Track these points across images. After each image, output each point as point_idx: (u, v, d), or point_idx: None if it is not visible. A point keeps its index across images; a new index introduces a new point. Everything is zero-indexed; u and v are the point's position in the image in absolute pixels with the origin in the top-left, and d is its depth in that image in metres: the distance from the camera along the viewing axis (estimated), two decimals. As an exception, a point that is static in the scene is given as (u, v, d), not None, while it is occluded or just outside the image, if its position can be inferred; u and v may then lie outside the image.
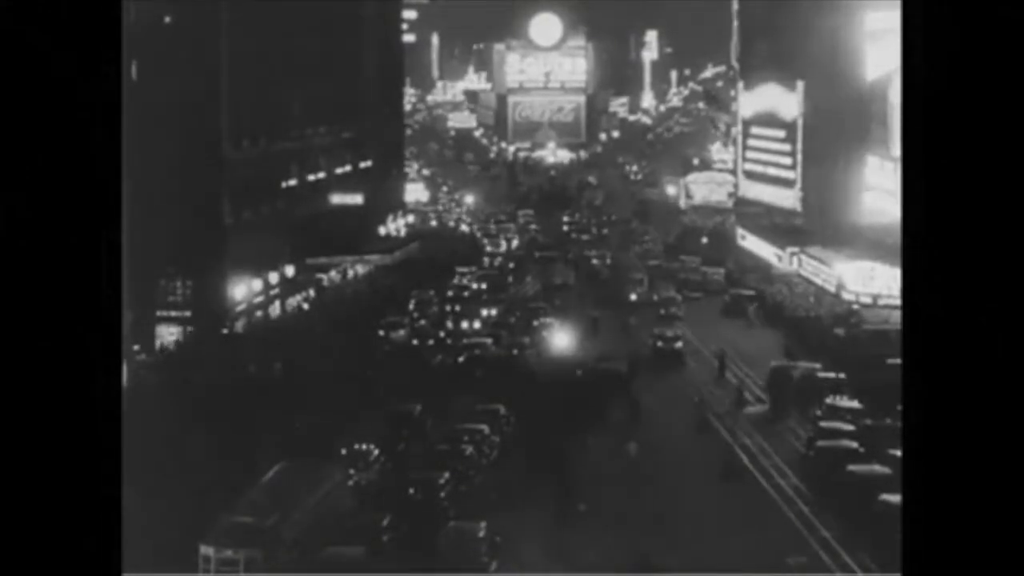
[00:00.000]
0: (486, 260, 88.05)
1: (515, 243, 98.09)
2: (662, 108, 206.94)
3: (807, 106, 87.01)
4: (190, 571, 30.31)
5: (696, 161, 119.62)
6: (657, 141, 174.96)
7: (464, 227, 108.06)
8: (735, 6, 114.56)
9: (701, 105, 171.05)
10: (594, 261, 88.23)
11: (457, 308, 68.28)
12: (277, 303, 68.06)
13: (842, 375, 50.51)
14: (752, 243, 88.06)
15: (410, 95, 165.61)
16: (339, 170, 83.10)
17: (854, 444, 40.59)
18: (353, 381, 47.85)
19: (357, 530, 32.71)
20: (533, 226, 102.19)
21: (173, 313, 61.21)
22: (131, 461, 16.58)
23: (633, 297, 74.29)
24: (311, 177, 78.46)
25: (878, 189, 70.22)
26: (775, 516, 37.00)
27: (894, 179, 64.45)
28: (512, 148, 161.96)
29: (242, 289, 64.04)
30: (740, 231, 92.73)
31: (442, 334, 62.02)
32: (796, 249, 77.74)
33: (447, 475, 37.38)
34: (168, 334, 60.20)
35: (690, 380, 55.00)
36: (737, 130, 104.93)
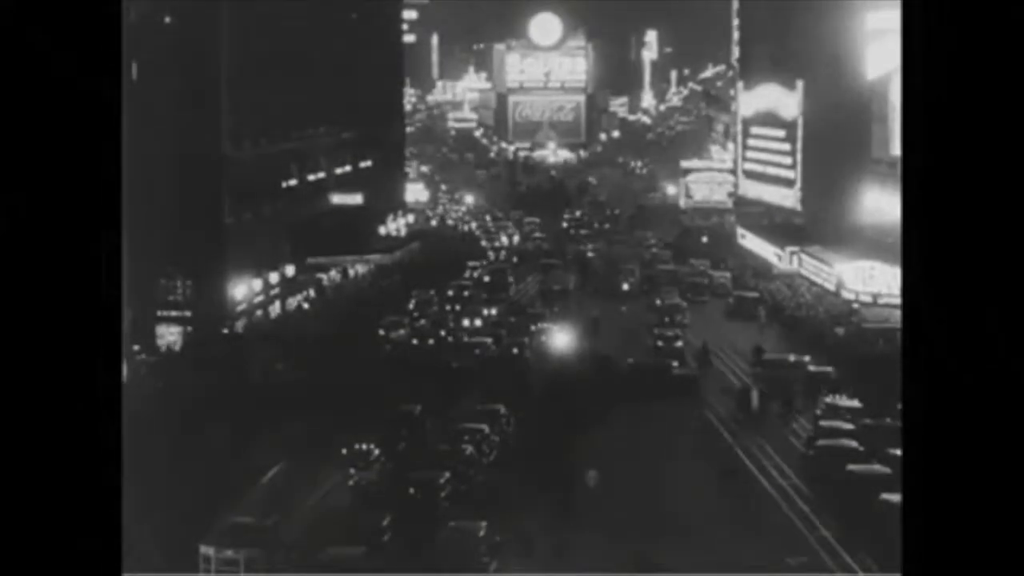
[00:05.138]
0: (491, 255, 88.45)
1: (515, 238, 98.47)
2: (662, 108, 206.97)
3: (807, 106, 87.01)
4: (190, 571, 30.33)
5: (696, 161, 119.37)
6: (658, 140, 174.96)
7: (464, 226, 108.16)
8: (735, 6, 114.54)
9: (702, 105, 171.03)
10: (589, 254, 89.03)
11: (457, 308, 68.31)
12: (277, 303, 68.07)
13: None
14: (752, 243, 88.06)
15: (410, 95, 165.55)
16: (339, 170, 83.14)
17: (854, 443, 40.61)
18: (353, 381, 47.86)
19: (357, 530, 32.72)
20: (537, 234, 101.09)
21: (173, 313, 61.23)
22: (131, 461, 16.59)
23: (625, 287, 76.58)
24: (311, 177, 78.50)
25: (878, 189, 70.24)
26: (775, 516, 37.00)
27: (894, 179, 64.45)
28: (512, 148, 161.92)
29: (242, 289, 64.06)
30: (740, 230, 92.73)
31: (443, 333, 62.01)
32: (796, 248, 77.74)
33: (447, 475, 37.40)
34: (168, 334, 60.21)
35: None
36: (737, 130, 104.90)
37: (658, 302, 69.72)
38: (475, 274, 78.30)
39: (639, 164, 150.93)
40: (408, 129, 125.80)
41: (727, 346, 61.17)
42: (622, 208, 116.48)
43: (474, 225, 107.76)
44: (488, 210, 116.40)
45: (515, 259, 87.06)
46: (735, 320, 69.04)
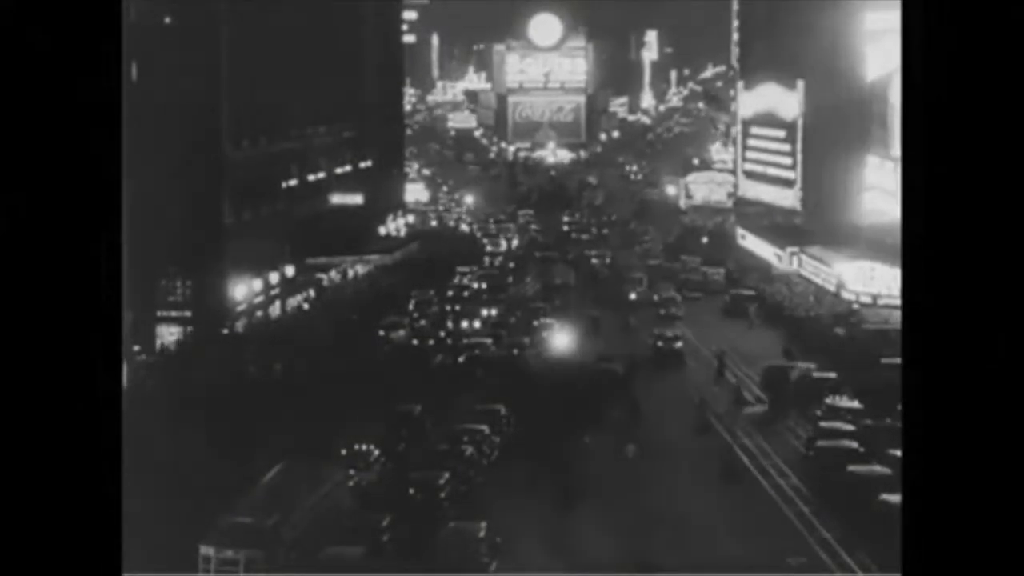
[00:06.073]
0: (486, 260, 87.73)
1: (515, 242, 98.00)
2: (662, 108, 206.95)
3: (807, 106, 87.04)
4: (190, 571, 30.31)
5: (696, 161, 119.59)
6: (657, 141, 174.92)
7: (464, 227, 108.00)
8: (735, 6, 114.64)
9: (701, 105, 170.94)
10: (594, 261, 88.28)
11: (457, 308, 68.24)
12: (277, 303, 68.05)
13: (835, 375, 50.36)
14: (752, 243, 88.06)
15: (410, 95, 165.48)
16: (339, 170, 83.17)
17: (854, 444, 40.60)
18: (353, 381, 47.84)
19: (357, 530, 32.70)
20: (533, 226, 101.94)
21: (173, 313, 61.18)
22: (131, 461, 16.57)
23: (633, 296, 74.45)
24: (311, 177, 78.51)
25: (878, 189, 70.25)
26: (775, 516, 37.01)
27: (894, 179, 64.47)
28: (512, 148, 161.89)
29: (242, 289, 64.04)
30: (740, 231, 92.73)
31: (442, 334, 61.98)
32: (796, 249, 77.77)
33: (447, 475, 37.38)
34: (168, 334, 60.17)
35: (690, 380, 55.02)
36: (737, 130, 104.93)
37: (655, 297, 69.84)
38: (465, 280, 77.38)
39: (634, 168, 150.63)
40: (407, 132, 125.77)
41: (729, 348, 61.16)
42: (621, 211, 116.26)
43: (475, 227, 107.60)
44: (488, 212, 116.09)
45: (512, 264, 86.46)
46: (731, 317, 69.29)
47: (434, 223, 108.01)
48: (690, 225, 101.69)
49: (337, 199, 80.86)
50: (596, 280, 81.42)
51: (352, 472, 38.16)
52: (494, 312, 67.31)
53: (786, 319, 66.35)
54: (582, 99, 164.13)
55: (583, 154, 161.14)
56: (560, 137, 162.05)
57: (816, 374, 51.04)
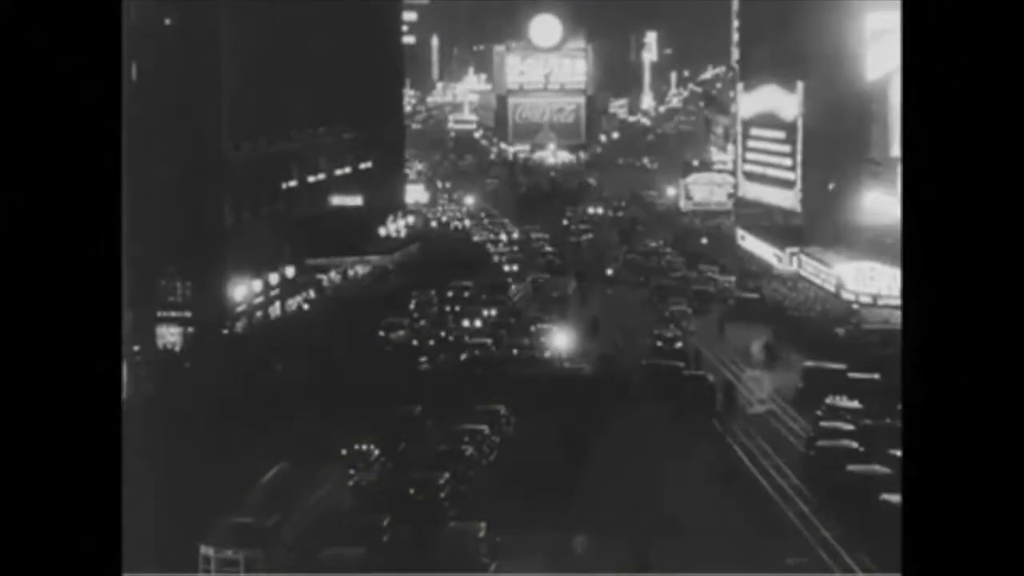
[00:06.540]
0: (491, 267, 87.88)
1: (515, 235, 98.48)
2: (661, 109, 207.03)
3: (807, 107, 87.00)
4: (190, 571, 30.32)
5: (696, 162, 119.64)
6: (657, 142, 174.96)
7: (459, 225, 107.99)
8: (735, 7, 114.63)
9: (701, 104, 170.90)
10: (581, 239, 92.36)
11: (457, 308, 68.21)
12: (277, 304, 68.09)
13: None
14: (752, 243, 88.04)
15: (410, 96, 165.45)
16: (339, 171, 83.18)
17: (854, 444, 40.63)
18: (353, 381, 47.85)
19: (357, 530, 32.73)
20: (548, 249, 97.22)
21: (173, 313, 61.24)
22: (131, 461, 16.58)
23: (609, 272, 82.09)
24: (311, 178, 78.53)
25: (878, 189, 70.29)
26: (775, 516, 37.02)
27: (894, 179, 64.48)
28: (512, 149, 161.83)
29: (242, 289, 64.07)
30: (740, 232, 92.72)
31: (443, 334, 61.97)
32: (796, 249, 77.73)
33: (447, 475, 37.40)
34: (168, 334, 60.22)
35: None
36: (737, 131, 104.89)
37: (667, 314, 68.28)
38: (466, 295, 76.32)
39: (645, 161, 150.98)
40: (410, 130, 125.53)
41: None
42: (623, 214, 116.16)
43: (472, 226, 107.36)
44: (491, 213, 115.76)
45: (515, 266, 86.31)
46: (735, 321, 69.13)
47: (433, 224, 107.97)
48: (689, 226, 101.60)
49: (337, 200, 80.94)
50: (579, 257, 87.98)
51: (352, 472, 38.20)
52: (494, 312, 67.22)
53: (786, 319, 66.28)
54: (582, 100, 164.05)
55: (583, 155, 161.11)
56: (560, 138, 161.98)
57: (852, 375, 50.59)
